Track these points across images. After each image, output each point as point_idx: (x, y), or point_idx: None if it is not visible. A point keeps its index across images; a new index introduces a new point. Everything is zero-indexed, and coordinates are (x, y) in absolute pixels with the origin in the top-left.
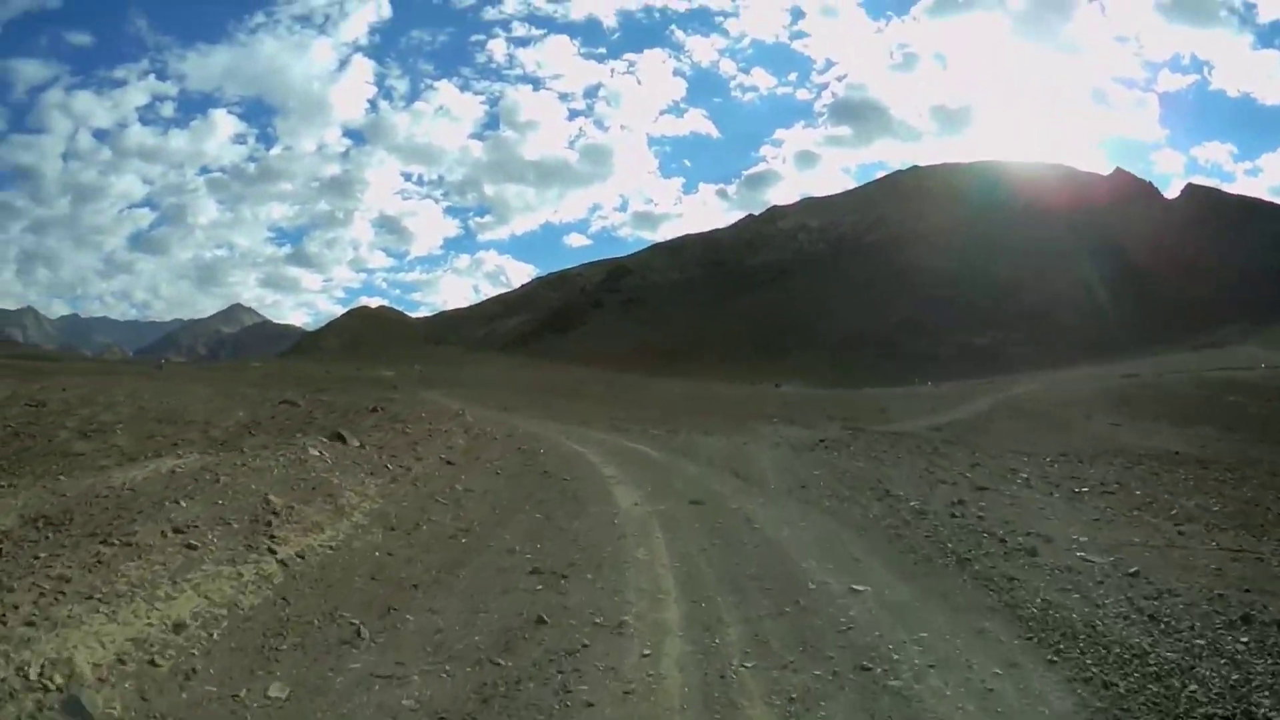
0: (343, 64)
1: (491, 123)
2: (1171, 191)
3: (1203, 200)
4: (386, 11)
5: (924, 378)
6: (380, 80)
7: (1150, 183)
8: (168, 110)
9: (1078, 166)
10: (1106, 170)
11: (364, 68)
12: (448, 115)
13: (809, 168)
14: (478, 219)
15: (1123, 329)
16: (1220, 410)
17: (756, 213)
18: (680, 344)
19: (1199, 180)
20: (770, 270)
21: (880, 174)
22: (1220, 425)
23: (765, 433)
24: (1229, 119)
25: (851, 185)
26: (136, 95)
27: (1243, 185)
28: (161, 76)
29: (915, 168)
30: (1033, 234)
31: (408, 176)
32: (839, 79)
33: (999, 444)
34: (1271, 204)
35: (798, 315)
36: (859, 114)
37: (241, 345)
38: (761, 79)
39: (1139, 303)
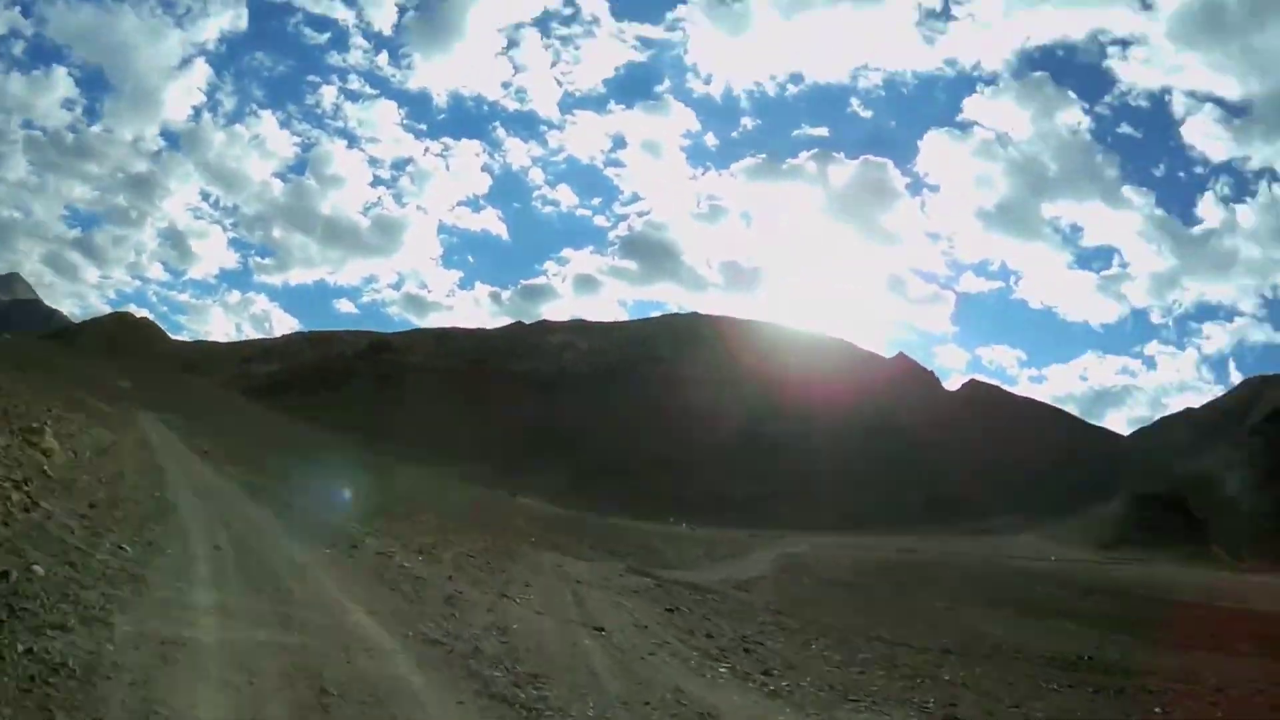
0: (185, 63)
1: (299, 166)
2: (953, 384)
3: (984, 396)
4: (243, 23)
5: (677, 518)
6: (212, 91)
7: (932, 371)
8: (18, 49)
9: (861, 345)
10: (889, 354)
11: (202, 73)
12: (261, 147)
13: (588, 293)
14: (259, 259)
15: (887, 505)
16: (1042, 600)
17: (527, 321)
18: (427, 430)
19: (982, 378)
20: (532, 380)
21: (656, 313)
22: (1073, 618)
23: (549, 568)
24: (1025, 327)
25: (625, 318)
26: None
27: (1025, 389)
28: (26, 13)
29: (695, 314)
30: (806, 399)
31: (205, 196)
32: (640, 214)
33: (840, 620)
34: (1052, 407)
35: (551, 431)
36: (651, 252)
37: (7, 317)
38: (565, 195)
39: (906, 481)
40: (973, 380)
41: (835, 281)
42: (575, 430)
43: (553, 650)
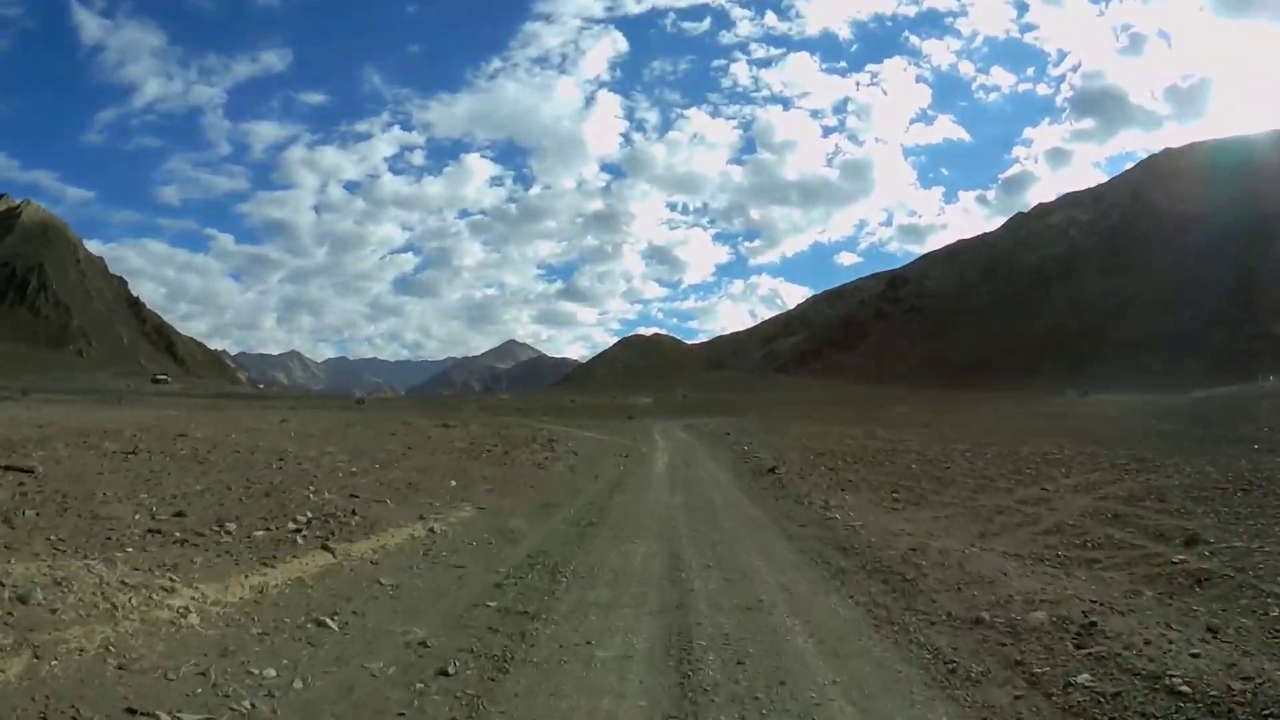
0: (589, 100)
1: (748, 146)
2: None
3: None
4: (623, 45)
5: (1263, 374)
6: (630, 113)
7: None
8: (418, 159)
9: None
10: None
11: (611, 103)
12: (703, 143)
13: (1062, 165)
14: (747, 244)
15: None
16: None
17: (1025, 212)
18: (969, 354)
19: None
20: (1050, 269)
21: (1129, 165)
22: None
23: None
24: None
25: (1104, 179)
26: (383, 146)
27: None
28: (406, 127)
29: (1168, 150)
30: None
31: (672, 206)
32: (1074, 69)
33: None
34: None
35: (1087, 317)
36: (1099, 105)
37: (516, 380)
38: (1001, 77)
39: None
40: None
41: (1266, 68)
42: (1112, 308)
43: None
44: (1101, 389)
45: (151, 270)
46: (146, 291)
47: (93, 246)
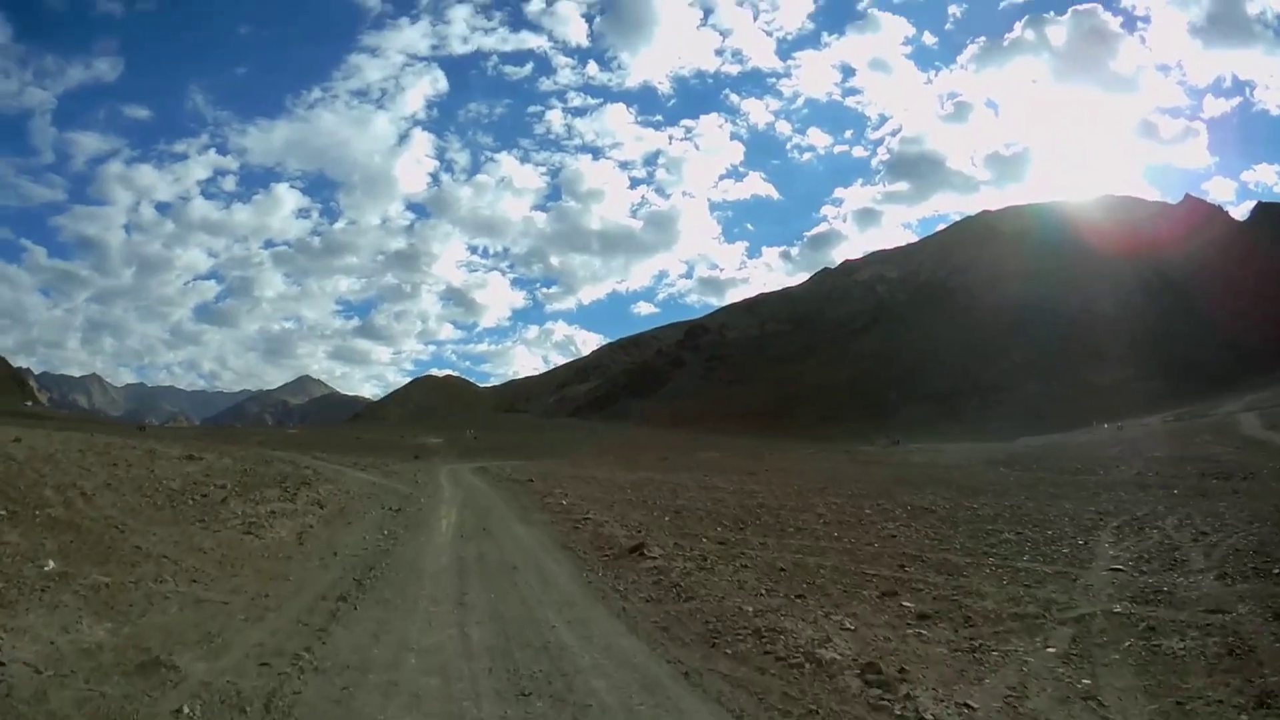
0: (402, 138)
1: (554, 193)
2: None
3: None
4: (443, 85)
5: (1097, 420)
6: (441, 154)
7: (1219, 206)
8: (229, 184)
9: (1143, 198)
10: (1174, 199)
11: (424, 141)
12: (509, 187)
13: (871, 225)
14: (545, 290)
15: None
16: None
17: (830, 268)
18: (770, 401)
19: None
20: (856, 321)
21: (941, 226)
22: None
23: None
24: (1275, 139)
25: (913, 240)
26: (198, 169)
27: None
28: (222, 151)
29: (985, 212)
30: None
31: (473, 249)
32: (893, 134)
33: None
34: None
35: (895, 367)
36: (916, 168)
37: (309, 416)
38: (817, 138)
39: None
40: (1259, 203)
41: (1091, 141)
42: (918, 359)
43: None
44: (912, 438)
45: None
46: None
47: None
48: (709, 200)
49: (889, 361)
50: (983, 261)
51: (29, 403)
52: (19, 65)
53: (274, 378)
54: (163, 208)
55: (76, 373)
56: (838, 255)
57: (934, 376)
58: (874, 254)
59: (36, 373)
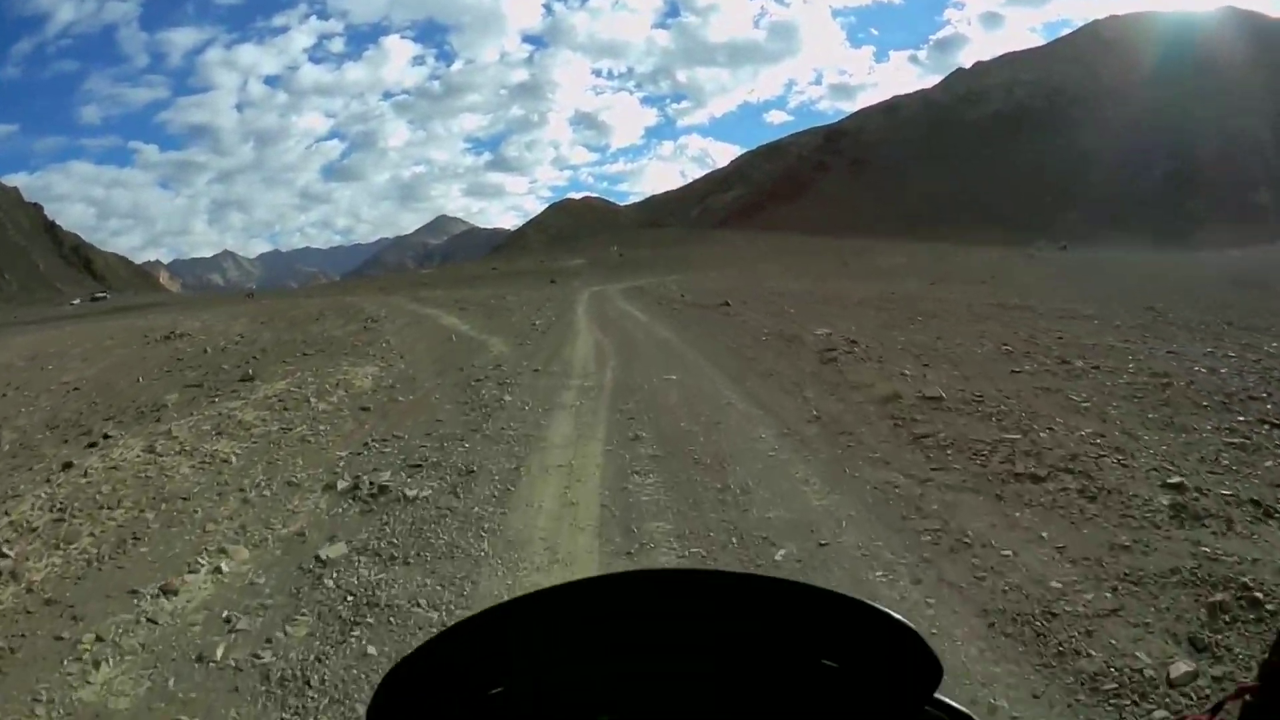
0: None
1: (672, 10)
2: None
3: None
4: None
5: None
6: None
7: None
8: (337, 46)
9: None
10: None
11: None
12: (626, 8)
13: (995, 29)
14: (675, 105)
15: None
16: None
17: (964, 69)
18: (921, 208)
19: None
20: (999, 124)
21: (1066, 31)
22: None
23: None
24: None
25: (1040, 42)
26: (301, 38)
27: None
28: (323, 16)
29: (1114, 16)
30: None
31: (597, 72)
32: None
33: None
34: None
35: (1048, 172)
36: None
37: (449, 254)
38: None
39: None
40: None
41: None
42: (1071, 165)
43: None
44: (1082, 246)
45: (81, 192)
46: (76, 214)
47: (18, 179)
48: (830, 7)
49: (1039, 167)
50: (1115, 68)
51: (101, 294)
52: None
53: (410, 222)
54: (271, 81)
55: (208, 253)
56: (965, 59)
57: (1089, 184)
58: (1006, 55)
59: (166, 262)
